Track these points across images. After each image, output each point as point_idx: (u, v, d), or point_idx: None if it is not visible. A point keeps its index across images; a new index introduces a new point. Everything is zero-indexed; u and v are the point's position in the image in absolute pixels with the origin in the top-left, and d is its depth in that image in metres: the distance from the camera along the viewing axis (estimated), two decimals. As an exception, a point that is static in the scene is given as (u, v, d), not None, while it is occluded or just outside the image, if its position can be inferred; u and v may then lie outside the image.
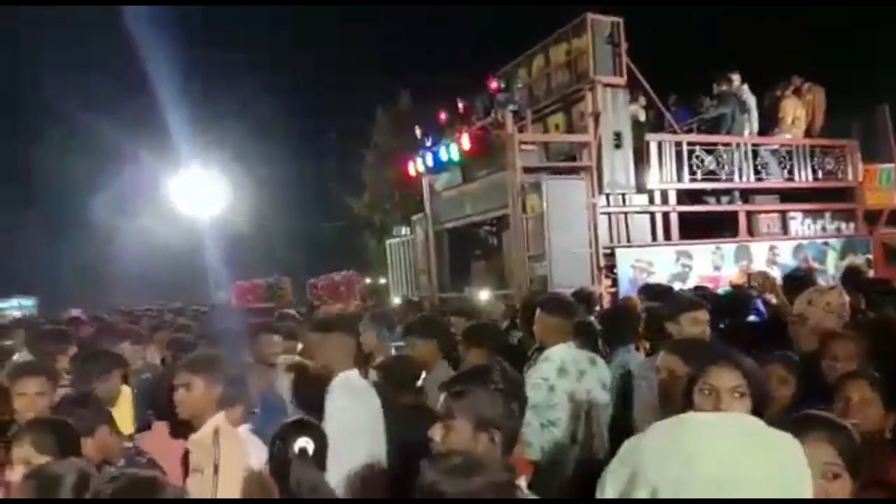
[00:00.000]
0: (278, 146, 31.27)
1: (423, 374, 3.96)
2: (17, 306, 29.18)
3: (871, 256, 9.91)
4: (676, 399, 2.49)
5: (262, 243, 31.53)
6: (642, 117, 9.95)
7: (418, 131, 9.98)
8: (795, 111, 10.02)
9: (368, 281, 26.58)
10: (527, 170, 8.35)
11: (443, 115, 9.49)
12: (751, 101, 9.85)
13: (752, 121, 9.85)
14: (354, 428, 3.03)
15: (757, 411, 2.10)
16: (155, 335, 6.09)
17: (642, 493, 1.61)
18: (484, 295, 8.64)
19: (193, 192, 27.29)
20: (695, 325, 3.80)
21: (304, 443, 2.16)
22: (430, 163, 9.44)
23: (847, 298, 3.87)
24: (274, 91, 32.43)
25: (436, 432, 2.03)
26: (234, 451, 2.59)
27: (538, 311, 3.91)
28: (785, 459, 1.62)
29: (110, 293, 29.23)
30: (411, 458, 1.75)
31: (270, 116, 31.56)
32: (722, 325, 5.05)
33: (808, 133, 10.20)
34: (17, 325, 8.33)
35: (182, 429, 2.84)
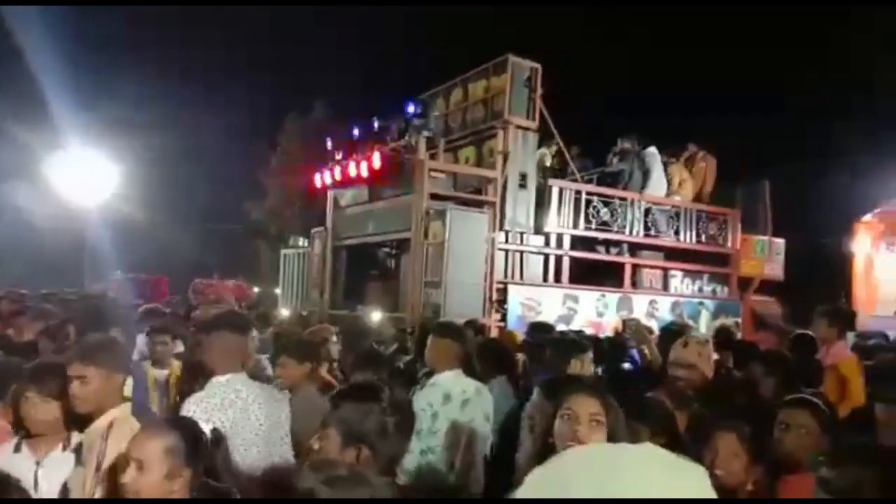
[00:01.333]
0: (176, 139, 30.04)
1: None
2: None
3: (739, 320, 10.62)
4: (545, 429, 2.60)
5: (147, 238, 30.03)
6: (548, 162, 10.33)
7: (329, 143, 9.89)
8: (681, 175, 10.63)
9: (257, 290, 25.89)
10: (433, 196, 8.45)
11: (356, 131, 9.45)
12: (654, 161, 10.37)
13: (655, 180, 10.34)
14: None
15: (611, 441, 2.20)
16: (16, 320, 5.69)
17: None
18: (375, 316, 8.61)
19: (76, 176, 25.66)
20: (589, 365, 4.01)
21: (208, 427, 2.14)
22: (337, 177, 9.36)
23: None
24: (179, 80, 31.27)
25: (314, 441, 2.08)
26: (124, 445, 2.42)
27: (431, 335, 3.96)
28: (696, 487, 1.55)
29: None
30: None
31: (171, 106, 30.34)
32: (600, 369, 5.27)
33: (697, 198, 10.84)
34: None
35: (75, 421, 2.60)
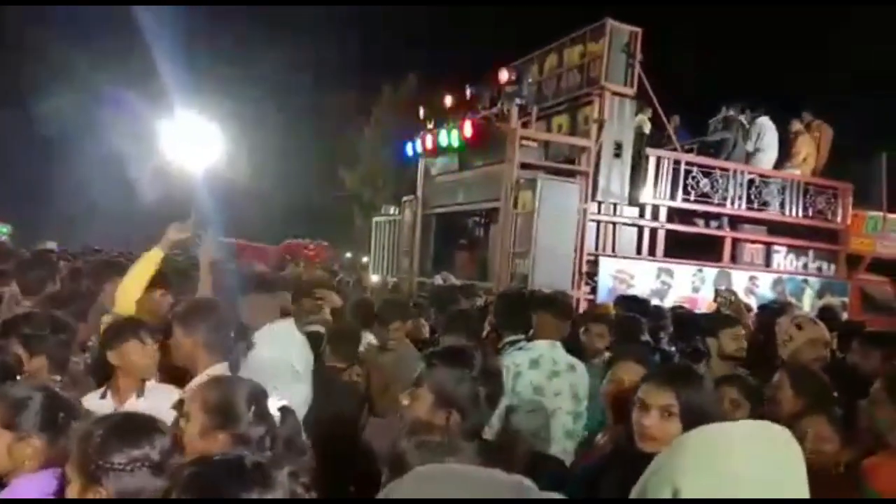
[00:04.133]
0: (277, 108, 30.96)
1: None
2: (-8, 231, 28.80)
3: (846, 300, 10.02)
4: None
5: (250, 203, 31.21)
6: (647, 129, 9.98)
7: (422, 112, 9.88)
8: (808, 149, 10.09)
9: (348, 255, 26.54)
10: (524, 166, 8.33)
11: (448, 100, 9.39)
12: (765, 131, 9.84)
13: (765, 151, 9.85)
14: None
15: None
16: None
17: None
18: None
19: (184, 141, 26.96)
20: (735, 340, 3.82)
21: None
22: (428, 145, 9.35)
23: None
24: (278, 51, 32.03)
25: (404, 396, 2.10)
26: None
27: (538, 308, 3.93)
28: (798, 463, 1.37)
29: (84, 231, 28.94)
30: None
31: (273, 77, 31.22)
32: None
33: (811, 171, 10.27)
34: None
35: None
